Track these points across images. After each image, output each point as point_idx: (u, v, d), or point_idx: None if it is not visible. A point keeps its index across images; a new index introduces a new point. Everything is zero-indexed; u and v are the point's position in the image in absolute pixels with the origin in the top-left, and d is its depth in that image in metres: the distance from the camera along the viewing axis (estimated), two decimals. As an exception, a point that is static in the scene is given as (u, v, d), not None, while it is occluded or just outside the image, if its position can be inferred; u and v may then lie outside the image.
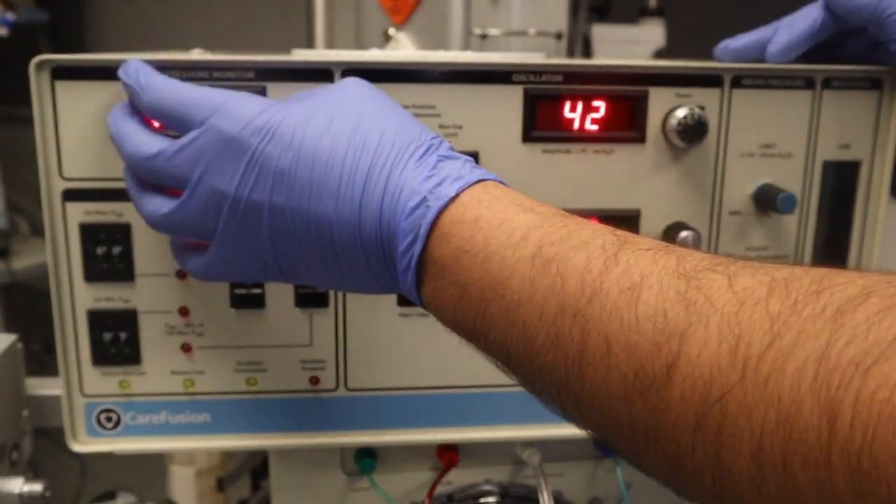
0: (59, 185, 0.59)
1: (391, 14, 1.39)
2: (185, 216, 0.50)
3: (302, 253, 0.48)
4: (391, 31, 1.38)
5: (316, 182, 0.46)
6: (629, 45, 2.08)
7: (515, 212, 0.44)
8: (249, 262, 0.50)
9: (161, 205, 0.51)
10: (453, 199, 0.45)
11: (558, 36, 1.50)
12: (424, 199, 0.45)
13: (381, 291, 0.50)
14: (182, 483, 1.48)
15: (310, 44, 1.38)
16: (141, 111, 0.53)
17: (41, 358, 2.33)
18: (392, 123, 0.48)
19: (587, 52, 1.61)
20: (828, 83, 0.64)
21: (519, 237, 0.42)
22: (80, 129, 0.58)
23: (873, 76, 0.64)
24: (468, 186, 0.45)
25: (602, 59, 0.70)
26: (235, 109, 0.48)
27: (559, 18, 1.52)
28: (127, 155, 0.52)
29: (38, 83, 0.57)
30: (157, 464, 1.50)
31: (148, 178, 0.52)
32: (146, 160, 0.50)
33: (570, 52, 1.54)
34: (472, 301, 0.44)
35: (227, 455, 1.45)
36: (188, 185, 0.49)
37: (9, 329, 2.58)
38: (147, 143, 0.51)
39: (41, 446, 0.75)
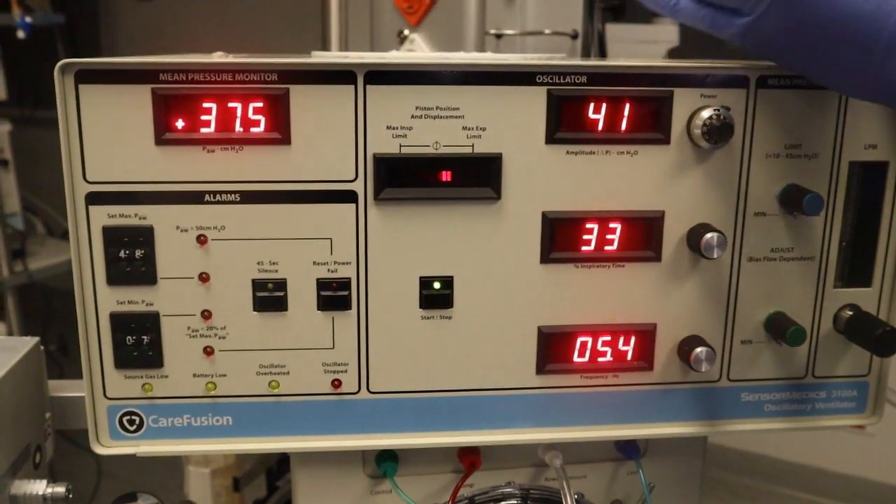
0: (83, 189, 0.59)
1: (406, 15, 1.39)
2: None
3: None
4: (406, 31, 1.38)
5: None
6: (644, 45, 2.07)
7: None
8: None
9: None
10: None
11: (574, 35, 1.50)
12: None
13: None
14: (198, 483, 1.49)
15: (325, 45, 1.38)
16: None
17: (57, 358, 2.34)
18: None
19: (602, 52, 1.61)
20: (854, 83, 0.63)
21: None
22: (103, 132, 0.58)
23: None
24: None
25: (624, 59, 0.69)
26: None
27: (574, 18, 1.51)
28: None
29: (62, 87, 0.57)
30: (172, 464, 1.50)
31: None
32: None
33: (586, 52, 1.53)
34: None
35: (243, 455, 1.46)
36: None
37: (25, 329, 2.59)
38: None
39: (57, 447, 0.76)
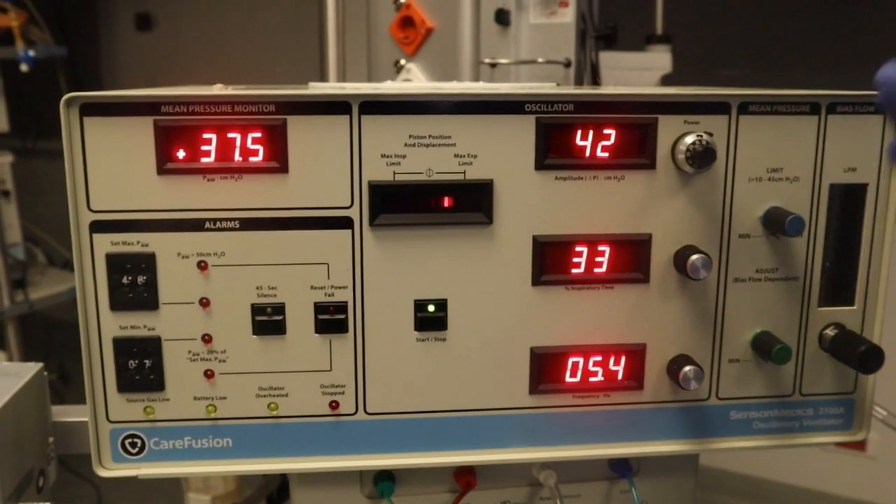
0: (87, 217, 0.61)
1: (402, 45, 1.41)
2: None
3: None
4: (402, 61, 1.41)
5: None
6: (637, 72, 2.10)
7: None
8: None
9: None
10: None
11: (567, 64, 1.53)
12: None
13: None
14: (199, 510, 1.49)
15: (322, 75, 1.41)
16: None
17: (57, 387, 2.34)
18: None
19: (595, 80, 1.64)
20: (833, 108, 0.65)
21: None
22: (107, 162, 0.60)
23: (877, 101, 0.66)
24: None
25: (611, 87, 0.71)
26: None
27: (567, 47, 1.54)
28: None
29: (67, 119, 0.59)
30: (172, 491, 1.51)
31: None
32: None
33: (579, 80, 1.56)
34: None
35: (244, 481, 1.46)
36: None
37: (26, 358, 2.60)
38: None
39: (59, 476, 0.77)
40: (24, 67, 2.31)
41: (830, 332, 0.68)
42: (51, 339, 2.86)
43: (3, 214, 2.55)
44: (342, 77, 1.38)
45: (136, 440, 0.65)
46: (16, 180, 2.64)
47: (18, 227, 2.65)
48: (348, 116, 0.61)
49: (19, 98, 2.79)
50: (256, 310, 0.63)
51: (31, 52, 2.33)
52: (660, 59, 2.15)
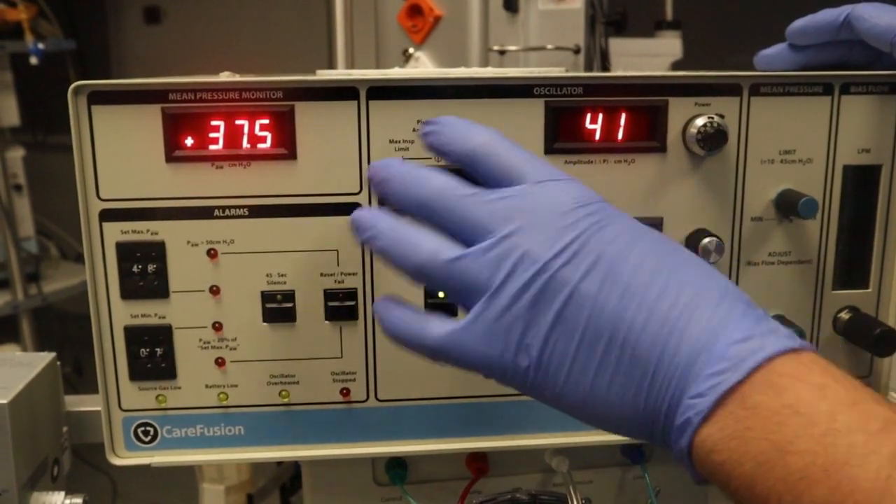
0: (97, 206, 0.61)
1: (410, 34, 1.41)
2: (472, 265, 0.46)
3: (574, 347, 0.45)
4: (411, 50, 1.40)
5: (636, 284, 0.44)
6: (647, 58, 2.09)
7: (867, 398, 0.39)
8: (505, 339, 0.46)
9: (445, 249, 0.47)
10: (793, 351, 0.41)
11: (576, 50, 1.52)
12: (754, 337, 0.42)
13: (630, 424, 0.46)
14: (212, 500, 1.50)
15: (331, 65, 1.41)
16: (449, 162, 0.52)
17: (71, 379, 2.36)
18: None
19: (605, 66, 1.63)
20: (846, 89, 0.64)
21: (876, 427, 0.37)
22: (115, 150, 0.60)
23: (892, 80, 0.65)
24: (805, 350, 0.42)
25: (621, 70, 0.71)
26: (573, 185, 0.49)
27: (577, 33, 1.54)
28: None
29: (75, 108, 0.59)
30: (186, 482, 1.52)
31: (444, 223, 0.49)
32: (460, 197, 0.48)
33: (588, 66, 1.55)
34: (784, 471, 0.38)
35: (257, 471, 1.47)
36: (492, 235, 0.46)
37: (40, 351, 2.62)
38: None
39: (74, 466, 0.77)
40: (33, 60, 2.32)
41: (845, 315, 0.68)
42: (64, 332, 2.88)
43: (15, 208, 2.57)
44: (350, 66, 1.38)
45: (148, 428, 0.65)
46: (28, 174, 2.65)
47: (31, 220, 2.67)
48: (356, 102, 0.61)
49: (29, 92, 2.80)
50: (266, 297, 0.63)
51: (41, 46, 2.34)
52: (670, 45, 2.14)
